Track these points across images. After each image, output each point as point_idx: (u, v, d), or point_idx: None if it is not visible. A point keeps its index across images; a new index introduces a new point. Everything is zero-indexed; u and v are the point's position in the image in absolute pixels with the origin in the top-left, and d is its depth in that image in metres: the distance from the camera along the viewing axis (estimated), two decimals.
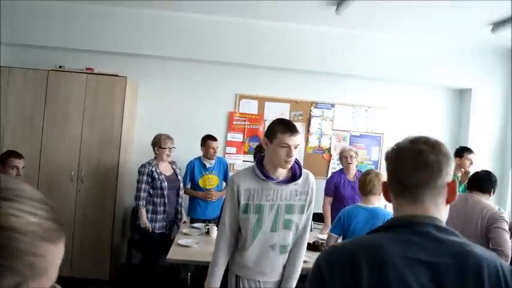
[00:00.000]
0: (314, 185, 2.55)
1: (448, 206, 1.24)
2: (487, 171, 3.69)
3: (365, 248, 1.16)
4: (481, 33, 4.90)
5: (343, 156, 4.88)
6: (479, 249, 1.14)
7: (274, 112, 5.51)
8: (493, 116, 5.60)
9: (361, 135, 5.67)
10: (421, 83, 5.60)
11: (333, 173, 5.09)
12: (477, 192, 3.48)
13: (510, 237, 3.48)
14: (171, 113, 5.40)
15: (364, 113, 5.67)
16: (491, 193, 3.54)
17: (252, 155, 3.83)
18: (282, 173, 2.45)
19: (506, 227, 3.26)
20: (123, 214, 5.12)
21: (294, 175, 2.47)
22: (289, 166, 2.42)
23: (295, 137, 2.36)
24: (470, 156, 4.80)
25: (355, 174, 4.84)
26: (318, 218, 4.92)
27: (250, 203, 2.41)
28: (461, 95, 5.81)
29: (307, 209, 2.53)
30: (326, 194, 4.90)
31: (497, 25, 4.59)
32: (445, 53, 5.44)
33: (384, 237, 1.18)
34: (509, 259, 3.17)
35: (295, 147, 2.36)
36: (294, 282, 2.53)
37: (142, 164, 4.43)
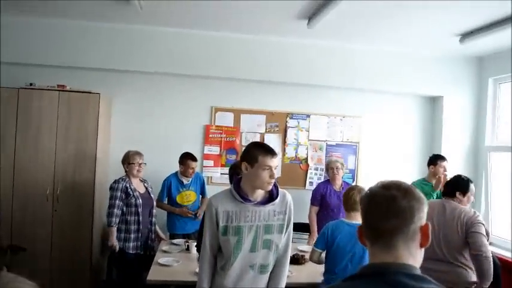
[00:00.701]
0: (291, 204, 2.57)
1: (423, 249, 1.25)
2: (457, 175, 3.81)
3: None
4: (451, 43, 5.04)
5: (330, 168, 4.96)
6: None
7: (250, 124, 5.53)
8: (464, 123, 5.74)
9: (337, 145, 5.73)
10: (394, 91, 5.70)
11: (319, 184, 5.17)
12: (453, 197, 3.57)
13: (488, 239, 3.63)
14: (147, 128, 5.36)
15: (340, 122, 5.74)
16: (467, 192, 3.60)
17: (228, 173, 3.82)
18: (260, 194, 2.48)
19: (483, 231, 3.37)
20: (102, 231, 5.04)
21: (271, 195, 2.49)
22: (271, 187, 2.44)
23: (276, 159, 2.43)
24: (444, 163, 4.89)
25: (341, 185, 4.95)
26: (303, 227, 5.00)
27: (229, 225, 2.43)
28: (434, 103, 5.94)
29: (286, 229, 2.55)
30: (312, 203, 4.99)
31: (465, 36, 4.73)
32: (416, 62, 5.56)
33: (356, 285, 1.18)
34: (491, 259, 3.29)
35: (275, 168, 2.41)
36: None
37: (115, 180, 4.29)
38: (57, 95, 4.69)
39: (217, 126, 5.50)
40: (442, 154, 5.61)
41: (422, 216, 1.24)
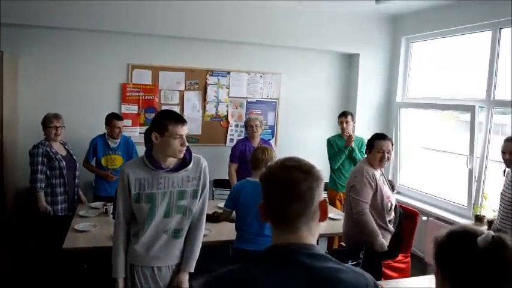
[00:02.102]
0: (206, 170, 2.59)
1: (321, 223, 1.29)
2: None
3: (241, 281, 1.19)
4: (367, 3, 5.15)
5: (249, 125, 5.04)
6: (349, 275, 1.20)
7: (169, 81, 5.42)
8: (378, 80, 6.00)
9: (257, 102, 5.79)
10: (313, 48, 5.78)
11: (238, 141, 5.23)
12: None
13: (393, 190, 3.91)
14: (59, 89, 5.05)
15: (260, 79, 5.77)
16: (372, 149, 3.61)
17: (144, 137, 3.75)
18: (172, 160, 2.47)
19: (356, 192, 3.49)
20: (15, 198, 4.80)
21: (184, 162, 2.50)
22: (182, 155, 2.45)
23: (186, 127, 2.43)
24: (344, 119, 5.14)
25: (260, 142, 5.05)
26: (225, 184, 5.14)
27: (142, 192, 2.43)
28: (350, 60, 6.12)
29: (201, 193, 2.58)
30: (231, 160, 5.06)
31: None
32: (334, 20, 5.65)
33: (259, 268, 1.20)
34: (364, 218, 3.44)
35: (186, 136, 2.42)
36: (193, 263, 2.60)
37: (34, 145, 4.12)
38: None
39: (134, 84, 5.32)
40: (357, 109, 5.88)
41: (320, 193, 1.28)
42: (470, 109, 4.69)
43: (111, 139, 4.66)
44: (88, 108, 5.07)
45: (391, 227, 3.61)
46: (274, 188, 1.26)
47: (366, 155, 3.71)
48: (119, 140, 4.71)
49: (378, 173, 3.59)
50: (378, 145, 3.54)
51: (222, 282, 1.22)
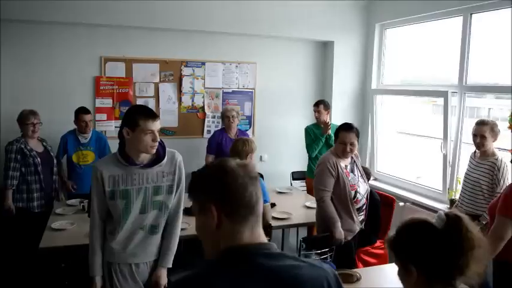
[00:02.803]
0: (181, 164, 2.57)
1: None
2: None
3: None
4: None
5: (225, 116, 5.00)
6: (307, 270, 1.19)
7: (143, 74, 5.34)
8: (353, 67, 6.03)
9: (233, 92, 5.76)
10: (287, 37, 5.76)
11: (215, 132, 5.19)
12: None
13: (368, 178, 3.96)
14: (31, 84, 4.92)
15: (235, 69, 5.74)
16: (337, 139, 3.66)
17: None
18: (146, 156, 2.44)
19: (315, 181, 3.63)
20: None
21: (158, 157, 2.47)
22: (155, 150, 2.42)
23: (158, 122, 2.39)
24: (317, 108, 5.16)
25: (236, 133, 5.03)
26: None
27: (116, 189, 2.40)
28: (325, 48, 6.12)
29: (177, 188, 2.56)
30: (208, 152, 5.03)
31: None
32: (309, 8, 5.62)
33: (219, 273, 1.16)
34: (323, 205, 3.55)
35: (158, 131, 2.38)
36: (171, 259, 2.59)
37: (9, 142, 4.13)
38: None
39: (108, 77, 5.22)
40: (333, 97, 5.91)
41: None
42: (443, 94, 4.74)
43: (81, 134, 4.59)
44: (61, 103, 4.97)
45: (358, 216, 3.63)
46: (237, 185, 1.20)
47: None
48: (90, 135, 4.64)
49: (343, 162, 3.61)
50: (341, 137, 3.56)
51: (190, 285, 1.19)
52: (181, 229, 2.72)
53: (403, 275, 1.45)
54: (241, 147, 3.48)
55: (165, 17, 5.07)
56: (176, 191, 2.56)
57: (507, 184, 3.52)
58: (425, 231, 1.40)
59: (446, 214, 1.40)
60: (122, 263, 2.49)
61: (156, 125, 2.37)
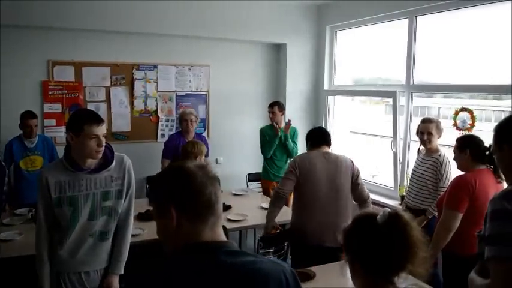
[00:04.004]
0: (130, 168, 2.53)
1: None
2: (318, 127, 4.00)
3: (158, 286, 1.17)
4: None
5: (184, 120, 4.92)
6: (266, 265, 1.22)
7: (93, 77, 5.23)
8: (306, 69, 6.12)
9: (186, 95, 5.72)
10: (240, 39, 5.78)
11: (171, 136, 5.11)
12: (325, 146, 3.60)
13: None
14: None
15: (188, 71, 5.70)
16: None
17: None
18: (93, 161, 2.39)
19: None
20: None
21: (106, 161, 2.42)
22: (101, 155, 2.36)
23: (102, 126, 2.33)
24: (271, 109, 5.19)
25: (194, 136, 4.96)
26: None
27: (63, 195, 2.34)
28: (278, 50, 6.18)
29: (127, 193, 2.52)
30: (164, 156, 4.92)
31: None
32: (260, 11, 5.68)
33: (181, 269, 1.18)
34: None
35: (103, 136, 2.32)
36: (122, 265, 2.54)
37: None
38: None
39: (56, 81, 5.07)
40: (287, 98, 5.98)
41: None
42: (392, 94, 4.88)
43: (27, 139, 4.43)
44: (6, 109, 4.77)
45: None
46: (197, 184, 1.23)
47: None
48: (36, 139, 4.49)
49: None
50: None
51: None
52: (135, 235, 2.67)
53: (349, 269, 1.48)
54: (191, 149, 3.49)
55: (115, 19, 4.98)
56: (126, 196, 2.51)
57: (450, 179, 3.67)
58: (366, 227, 1.42)
59: (389, 211, 1.42)
60: (71, 272, 2.42)
61: (101, 130, 2.31)
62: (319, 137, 3.65)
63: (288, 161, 4.92)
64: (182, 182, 1.23)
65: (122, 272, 2.53)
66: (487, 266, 1.73)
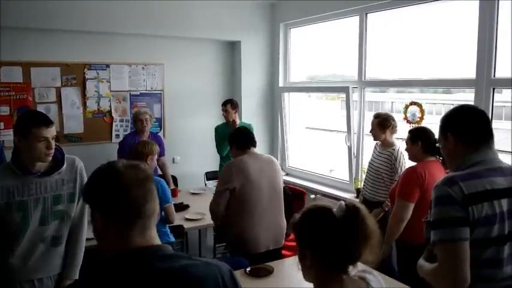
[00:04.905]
0: (83, 171, 2.47)
1: None
2: (242, 128, 3.97)
3: None
4: None
5: (139, 119, 4.86)
6: (201, 268, 1.21)
7: (43, 78, 5.05)
8: (261, 66, 6.14)
9: (141, 94, 5.63)
10: (194, 37, 5.73)
11: (126, 136, 5.02)
12: (252, 148, 3.52)
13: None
14: None
15: (142, 71, 5.61)
16: None
17: None
18: (43, 164, 2.31)
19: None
20: None
21: (56, 164, 2.35)
22: (50, 158, 2.29)
23: (51, 128, 2.27)
24: (224, 107, 5.19)
25: (149, 136, 4.91)
26: None
27: (12, 200, 2.25)
28: (232, 48, 6.18)
29: (79, 196, 2.45)
30: (120, 157, 4.82)
31: None
32: (214, 8, 5.64)
33: (112, 279, 1.14)
34: None
35: (53, 138, 2.26)
36: (76, 270, 2.48)
37: None
38: None
39: (3, 83, 4.86)
40: (243, 96, 5.99)
41: None
42: (345, 90, 4.98)
43: None
44: None
45: None
46: (130, 186, 1.19)
47: None
48: None
49: None
50: None
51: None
52: (90, 239, 2.60)
53: (300, 259, 1.47)
54: (141, 149, 3.47)
55: (65, 18, 4.82)
56: (78, 199, 2.45)
57: None
58: (323, 218, 1.43)
59: (346, 204, 1.43)
60: (24, 280, 2.34)
61: (50, 132, 2.24)
62: (246, 139, 3.52)
63: None
64: (105, 183, 1.21)
65: (77, 277, 2.46)
66: (433, 251, 1.81)
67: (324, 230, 1.42)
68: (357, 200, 4.52)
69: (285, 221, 3.54)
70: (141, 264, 1.15)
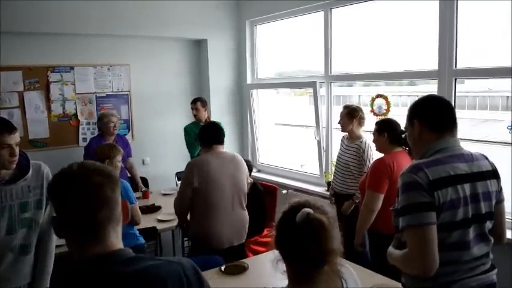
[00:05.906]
0: (49, 175, 2.41)
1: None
2: (211, 123, 3.87)
3: None
4: None
5: (104, 122, 4.78)
6: (163, 268, 1.21)
7: (4, 82, 4.89)
8: (228, 63, 6.13)
9: (107, 96, 5.53)
10: (159, 36, 5.67)
11: (91, 140, 4.90)
12: (218, 145, 3.48)
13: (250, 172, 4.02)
14: None
15: (107, 72, 5.52)
16: None
17: None
18: (7, 172, 2.25)
19: None
20: None
21: (21, 171, 2.29)
22: (15, 165, 2.23)
23: (15, 134, 2.20)
24: (194, 105, 5.17)
25: (115, 138, 4.84)
26: None
27: None
28: (199, 46, 6.14)
29: (47, 202, 2.40)
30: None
31: None
32: (180, 7, 5.59)
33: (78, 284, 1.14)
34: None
35: (17, 145, 2.19)
36: (47, 278, 2.43)
37: None
38: None
39: None
40: (211, 94, 5.98)
41: (120, 195, 1.25)
42: (312, 85, 5.03)
43: None
44: None
45: None
46: (76, 193, 1.17)
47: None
48: None
49: None
50: None
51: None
52: (60, 245, 2.55)
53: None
54: (102, 151, 3.46)
55: (25, 19, 4.67)
56: (46, 205, 2.40)
57: None
58: (287, 222, 1.38)
59: (308, 213, 1.34)
60: None
61: (13, 138, 2.17)
62: (211, 136, 3.49)
63: None
64: (55, 194, 1.21)
65: (48, 286, 2.42)
66: (401, 238, 1.86)
67: (285, 233, 1.38)
68: (328, 193, 4.59)
69: (247, 216, 3.57)
70: (104, 271, 1.14)
